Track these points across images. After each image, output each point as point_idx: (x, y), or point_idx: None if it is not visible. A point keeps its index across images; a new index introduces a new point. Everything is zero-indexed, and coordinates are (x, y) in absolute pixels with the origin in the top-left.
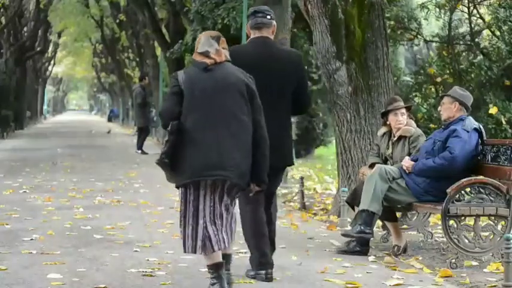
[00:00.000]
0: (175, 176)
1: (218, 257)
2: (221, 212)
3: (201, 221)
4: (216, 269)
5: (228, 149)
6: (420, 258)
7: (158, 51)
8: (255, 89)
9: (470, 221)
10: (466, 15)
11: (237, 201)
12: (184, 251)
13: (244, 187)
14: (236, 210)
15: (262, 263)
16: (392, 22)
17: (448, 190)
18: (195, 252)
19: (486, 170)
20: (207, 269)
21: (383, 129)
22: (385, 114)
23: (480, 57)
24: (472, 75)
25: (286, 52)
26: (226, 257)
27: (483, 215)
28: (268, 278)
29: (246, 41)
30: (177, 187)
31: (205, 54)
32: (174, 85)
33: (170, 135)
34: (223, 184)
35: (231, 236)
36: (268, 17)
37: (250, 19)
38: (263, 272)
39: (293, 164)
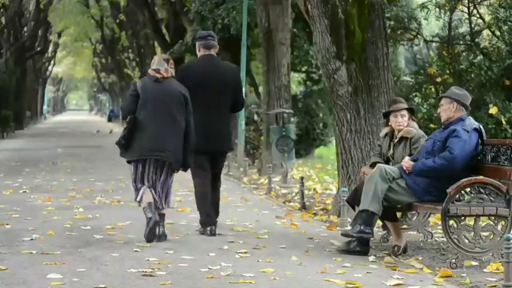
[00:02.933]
0: (129, 153)
1: (150, 198)
2: (160, 181)
3: (145, 185)
4: (150, 205)
5: (166, 138)
6: (420, 258)
7: (158, 51)
8: (189, 98)
9: (470, 221)
10: (466, 15)
11: (173, 176)
12: (135, 200)
13: (177, 167)
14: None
15: (207, 223)
16: (392, 22)
17: (448, 190)
18: (140, 201)
19: (486, 170)
20: (142, 207)
21: (385, 130)
22: (386, 115)
23: (480, 57)
24: (472, 75)
25: (226, 65)
26: (162, 216)
27: (483, 215)
28: (212, 233)
29: (198, 57)
30: (128, 162)
31: (157, 71)
32: (133, 89)
33: (128, 124)
34: (163, 162)
35: (166, 200)
36: (216, 40)
37: (203, 40)
38: (208, 229)
39: (232, 150)
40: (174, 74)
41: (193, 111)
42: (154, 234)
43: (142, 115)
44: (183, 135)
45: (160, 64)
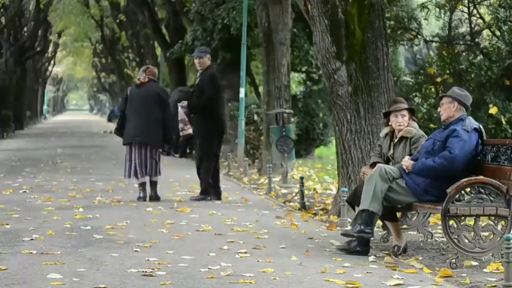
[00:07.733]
0: (123, 139)
1: (142, 180)
2: (145, 159)
3: (133, 163)
4: (142, 185)
5: (144, 127)
6: (420, 258)
7: (158, 51)
8: (165, 97)
9: (470, 221)
10: (466, 15)
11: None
12: (124, 177)
13: (158, 147)
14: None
15: (217, 192)
16: (392, 22)
17: (448, 190)
18: (129, 177)
19: (486, 170)
20: (137, 186)
21: (385, 130)
22: (386, 115)
23: (480, 57)
24: (472, 75)
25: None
26: (154, 183)
27: (483, 215)
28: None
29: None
30: (124, 144)
31: (139, 79)
32: (126, 95)
33: (120, 119)
34: (146, 145)
35: (156, 171)
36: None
37: (209, 55)
38: (209, 198)
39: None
40: (153, 78)
41: (219, 106)
42: (155, 196)
43: (129, 112)
44: (162, 123)
45: (141, 74)
